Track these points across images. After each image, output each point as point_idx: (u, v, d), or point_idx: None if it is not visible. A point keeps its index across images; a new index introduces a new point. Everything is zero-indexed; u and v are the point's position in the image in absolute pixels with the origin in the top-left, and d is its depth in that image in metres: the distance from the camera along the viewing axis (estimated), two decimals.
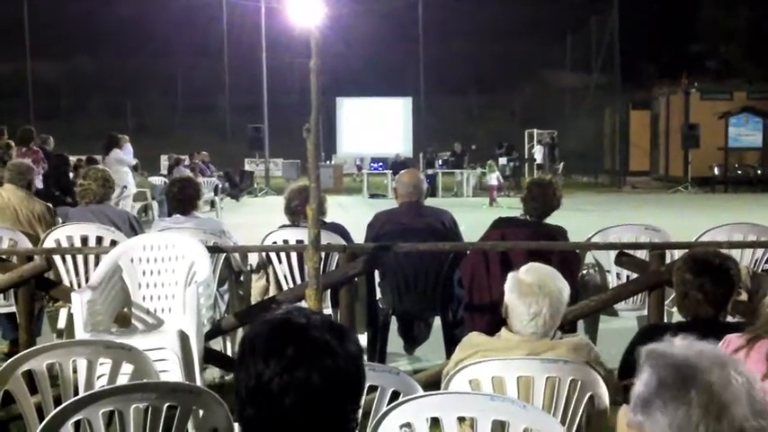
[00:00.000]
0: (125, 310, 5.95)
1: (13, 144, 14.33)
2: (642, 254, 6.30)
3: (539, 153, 30.97)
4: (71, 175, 15.58)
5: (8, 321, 6.95)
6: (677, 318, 5.06)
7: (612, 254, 6.38)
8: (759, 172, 30.98)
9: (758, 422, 1.74)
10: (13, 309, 6.47)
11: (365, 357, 6.08)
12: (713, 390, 1.77)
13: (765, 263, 6.62)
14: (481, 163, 28.07)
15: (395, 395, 3.20)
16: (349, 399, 2.03)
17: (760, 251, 6.60)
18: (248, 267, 6.62)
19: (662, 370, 1.84)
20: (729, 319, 4.08)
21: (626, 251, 6.29)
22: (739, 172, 30.95)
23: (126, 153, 18.02)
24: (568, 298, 3.68)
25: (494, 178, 24.77)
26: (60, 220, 7.49)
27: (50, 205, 7.70)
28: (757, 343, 3.02)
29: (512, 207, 15.76)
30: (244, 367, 2.00)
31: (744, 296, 5.11)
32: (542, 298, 3.57)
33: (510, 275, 3.72)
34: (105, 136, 17.75)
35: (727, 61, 43.12)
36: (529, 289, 3.60)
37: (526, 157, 30.83)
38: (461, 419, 3.09)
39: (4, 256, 6.32)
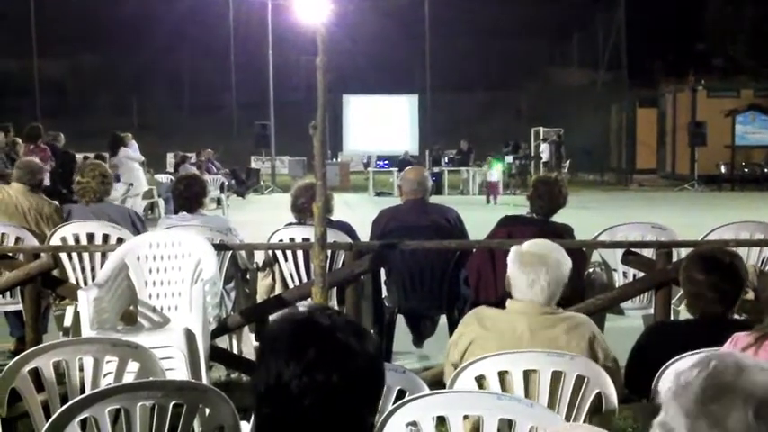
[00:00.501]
0: (131, 307, 5.95)
1: (19, 141, 14.34)
2: (649, 252, 6.29)
3: (545, 151, 30.93)
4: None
5: (15, 318, 6.97)
6: (683, 316, 5.06)
7: (619, 252, 6.37)
8: (766, 170, 30.90)
9: None
10: (20, 306, 6.48)
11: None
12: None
13: None
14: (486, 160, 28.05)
15: (401, 393, 3.20)
16: (367, 401, 2.02)
17: (767, 250, 6.59)
18: (254, 265, 6.62)
19: (685, 404, 1.74)
20: (736, 317, 4.08)
21: (633, 249, 6.28)
22: (746, 170, 30.87)
23: (133, 150, 18.08)
24: (569, 272, 3.79)
25: (494, 174, 24.65)
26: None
27: (59, 206, 7.69)
28: (766, 341, 3.02)
29: (518, 205, 15.75)
30: (264, 364, 1.97)
31: (750, 295, 5.10)
32: (541, 267, 3.70)
33: (512, 249, 3.85)
34: (109, 136, 17.78)
35: (734, 59, 43.01)
36: (529, 258, 3.75)
37: (533, 155, 30.77)
38: (467, 418, 3.09)
39: (10, 254, 6.33)
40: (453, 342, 3.89)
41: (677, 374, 1.78)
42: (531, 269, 3.72)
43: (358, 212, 16.08)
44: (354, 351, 1.96)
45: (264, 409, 1.98)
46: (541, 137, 31.89)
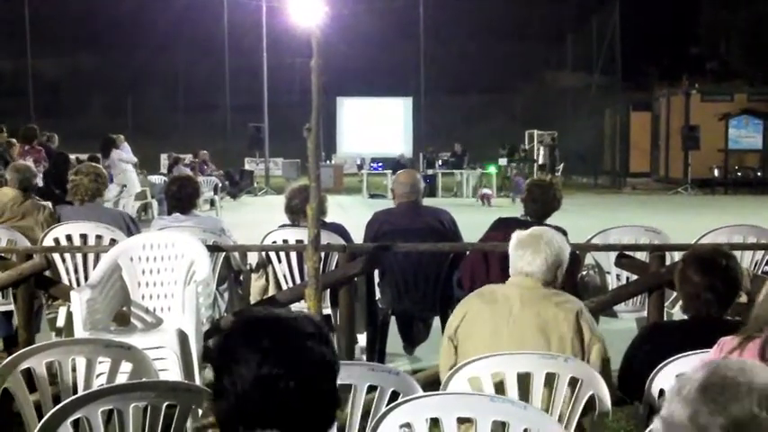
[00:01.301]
0: (124, 308, 5.95)
1: (14, 141, 14.31)
2: (642, 255, 6.30)
3: (541, 154, 30.95)
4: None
5: (3, 319, 6.93)
6: (677, 318, 5.07)
7: (612, 255, 6.39)
8: (759, 174, 30.96)
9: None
10: (11, 307, 6.47)
11: (363, 357, 6.12)
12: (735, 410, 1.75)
13: (765, 265, 6.62)
14: (481, 164, 28.07)
15: (394, 395, 3.20)
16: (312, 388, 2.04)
17: (760, 253, 6.61)
18: (248, 266, 6.61)
19: (690, 399, 1.80)
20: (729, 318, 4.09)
21: (626, 252, 6.29)
22: (739, 174, 30.90)
23: (125, 152, 18.07)
24: (568, 257, 3.97)
25: (487, 189, 24.96)
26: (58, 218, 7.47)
27: (52, 210, 7.66)
28: (749, 344, 3.04)
29: (512, 208, 15.70)
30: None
31: (743, 298, 5.10)
32: (540, 246, 3.87)
33: (514, 234, 4.03)
34: (102, 138, 17.76)
35: (728, 63, 43.12)
36: (529, 239, 3.93)
37: (527, 157, 30.76)
38: (461, 420, 3.09)
39: (3, 255, 6.32)
40: (453, 315, 4.03)
41: (680, 375, 1.84)
42: (530, 248, 3.88)
43: (352, 214, 16.08)
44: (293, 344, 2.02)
45: (221, 403, 2.06)
46: (536, 140, 31.90)
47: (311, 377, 2.03)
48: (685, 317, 4.03)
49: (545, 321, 3.72)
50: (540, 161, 30.48)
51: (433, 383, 4.12)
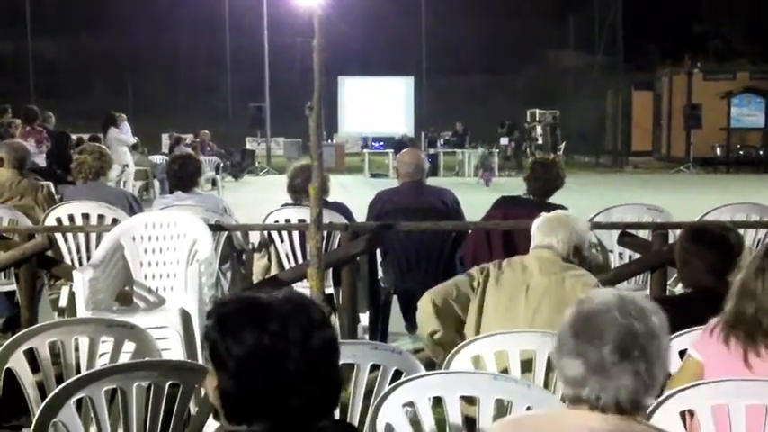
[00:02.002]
0: (126, 288, 5.95)
1: (17, 122, 14.27)
2: (645, 234, 6.30)
3: (540, 133, 30.86)
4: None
5: (4, 299, 6.94)
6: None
7: (615, 234, 6.38)
8: (761, 152, 30.88)
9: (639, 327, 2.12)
10: (13, 287, 6.47)
11: (366, 336, 6.13)
12: (595, 318, 2.13)
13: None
14: (483, 145, 28.02)
15: (397, 374, 3.20)
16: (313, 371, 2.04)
17: (762, 231, 6.60)
18: (250, 246, 6.61)
19: (564, 323, 2.19)
20: None
21: (628, 231, 6.29)
22: (741, 152, 30.84)
23: (124, 132, 18.02)
24: (587, 242, 4.18)
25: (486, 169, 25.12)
26: (59, 199, 7.46)
27: (53, 190, 7.64)
28: (733, 317, 3.08)
29: (513, 187, 15.69)
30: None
31: None
32: (562, 226, 4.06)
33: (540, 215, 4.21)
34: (104, 115, 17.74)
35: (730, 42, 42.90)
36: (553, 219, 4.12)
37: (528, 137, 30.67)
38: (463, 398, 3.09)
39: (5, 234, 6.31)
40: (469, 275, 4.12)
41: None
42: (554, 225, 4.06)
43: (353, 194, 16.06)
44: (285, 327, 2.02)
45: (223, 388, 2.06)
46: (537, 119, 31.79)
47: (314, 362, 2.03)
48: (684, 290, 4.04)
49: (563, 291, 3.85)
50: (539, 141, 30.38)
51: (434, 363, 4.13)
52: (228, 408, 2.04)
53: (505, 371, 3.40)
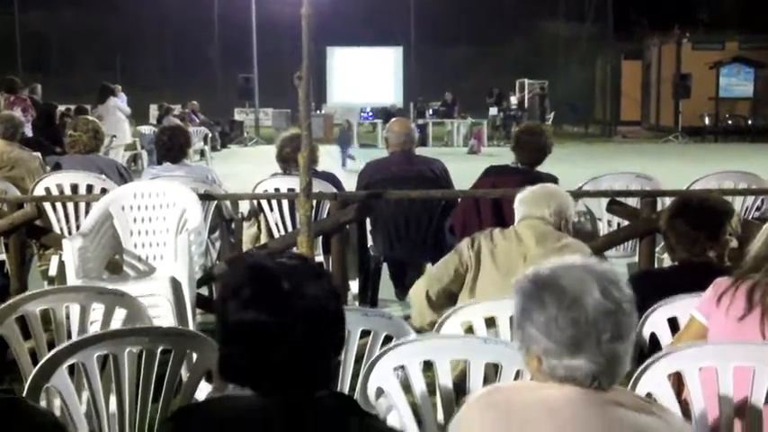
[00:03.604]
0: (116, 257, 5.95)
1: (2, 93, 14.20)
2: (633, 202, 6.32)
3: (528, 103, 30.83)
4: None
5: None
6: (667, 264, 5.10)
7: (604, 201, 6.41)
8: (750, 122, 30.95)
9: (612, 303, 2.07)
10: (2, 257, 6.47)
11: (356, 303, 6.15)
12: (562, 287, 2.09)
13: (755, 211, 6.65)
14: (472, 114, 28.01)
15: (387, 339, 3.22)
16: (316, 344, 2.04)
17: (750, 199, 6.64)
18: (239, 215, 6.61)
19: (523, 289, 2.17)
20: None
21: (617, 199, 6.31)
22: (730, 122, 30.91)
23: (121, 102, 17.96)
24: (573, 214, 4.21)
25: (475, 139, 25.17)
26: (49, 170, 7.45)
27: (41, 160, 7.63)
28: (742, 284, 3.08)
29: (502, 156, 15.67)
30: (216, 306, 2.11)
31: (735, 243, 5.13)
32: (549, 199, 4.08)
33: (524, 189, 4.22)
34: (99, 87, 17.64)
35: (720, 11, 42.84)
36: (539, 192, 4.14)
37: (517, 106, 30.61)
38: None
39: None
40: (462, 246, 4.11)
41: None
42: (541, 199, 4.08)
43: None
44: (291, 293, 2.00)
45: (222, 349, 2.06)
46: (526, 89, 31.75)
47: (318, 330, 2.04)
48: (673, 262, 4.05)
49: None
50: (515, 113, 30.28)
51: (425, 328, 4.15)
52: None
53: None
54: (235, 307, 2.01)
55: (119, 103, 17.36)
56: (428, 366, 2.96)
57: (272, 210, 6.36)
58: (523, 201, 4.15)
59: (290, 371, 2.01)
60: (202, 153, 21.01)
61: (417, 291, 4.16)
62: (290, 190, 6.29)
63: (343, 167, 19.26)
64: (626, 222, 6.31)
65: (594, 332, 2.06)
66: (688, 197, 4.30)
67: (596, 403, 2.08)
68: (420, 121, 27.02)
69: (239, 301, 2.00)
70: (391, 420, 2.87)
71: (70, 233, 6.20)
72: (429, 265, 4.38)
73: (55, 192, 6.57)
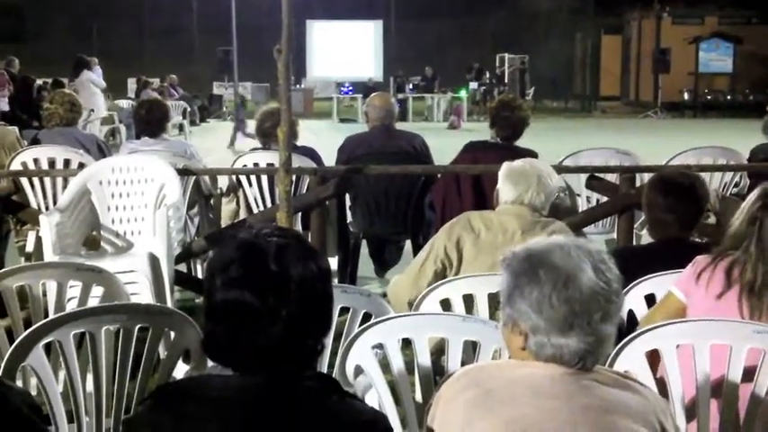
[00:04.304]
0: (94, 233, 5.91)
1: None
2: (612, 177, 6.33)
3: (508, 78, 30.80)
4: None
5: None
6: (645, 240, 5.12)
7: (583, 177, 6.42)
8: (729, 97, 31.08)
9: (604, 284, 2.08)
10: None
11: (335, 280, 6.14)
12: (557, 265, 2.08)
13: (733, 186, 6.68)
14: (452, 89, 27.96)
15: (366, 317, 3.21)
16: (303, 324, 2.03)
17: (728, 175, 6.66)
18: (218, 191, 6.58)
19: (514, 265, 2.14)
20: (697, 240, 4.12)
21: (596, 174, 6.32)
22: (709, 97, 31.03)
23: (96, 76, 17.82)
24: (556, 190, 4.12)
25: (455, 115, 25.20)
26: (27, 144, 7.39)
27: (18, 134, 7.56)
28: (721, 262, 3.09)
29: (482, 131, 15.62)
30: (204, 283, 2.08)
31: (712, 219, 5.15)
32: (531, 178, 3.97)
33: (504, 165, 4.11)
34: (74, 59, 17.50)
35: None
36: (520, 170, 4.02)
37: (497, 81, 30.57)
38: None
39: None
40: (438, 238, 4.02)
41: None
42: (523, 179, 3.97)
43: (322, 139, 16.01)
44: (278, 274, 1.99)
45: (206, 326, 2.05)
46: (506, 63, 31.71)
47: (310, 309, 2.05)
48: (652, 240, 4.05)
49: None
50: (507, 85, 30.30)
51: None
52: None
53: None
54: (221, 284, 1.99)
55: (92, 77, 17.23)
56: (407, 344, 2.96)
57: (251, 185, 6.33)
58: (507, 180, 4.02)
59: (274, 352, 1.99)
60: (181, 127, 20.88)
61: (398, 295, 4.05)
62: (269, 165, 6.26)
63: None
64: (605, 198, 6.32)
65: (587, 312, 2.06)
66: (667, 173, 4.29)
67: (578, 382, 2.08)
68: (400, 96, 26.96)
69: (226, 278, 1.99)
70: (369, 399, 2.87)
71: (47, 208, 6.15)
72: (408, 267, 4.23)
73: (32, 166, 6.51)
